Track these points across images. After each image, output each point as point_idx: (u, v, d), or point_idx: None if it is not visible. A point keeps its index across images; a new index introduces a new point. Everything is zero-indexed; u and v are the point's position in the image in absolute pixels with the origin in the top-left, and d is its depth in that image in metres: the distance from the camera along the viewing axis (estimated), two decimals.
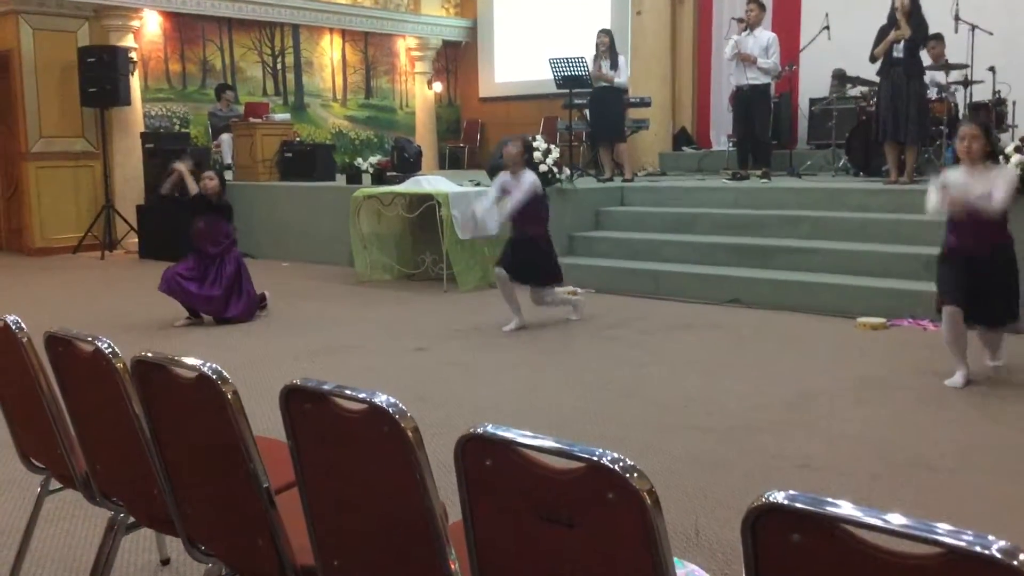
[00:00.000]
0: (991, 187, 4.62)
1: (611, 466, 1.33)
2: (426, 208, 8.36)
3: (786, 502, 1.15)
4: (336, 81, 14.76)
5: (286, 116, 12.68)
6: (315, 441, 1.85)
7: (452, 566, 1.67)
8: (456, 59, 16.19)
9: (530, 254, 6.43)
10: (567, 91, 10.14)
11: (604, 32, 9.84)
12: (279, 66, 14.02)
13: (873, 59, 8.27)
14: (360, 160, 10.84)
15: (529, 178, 6.37)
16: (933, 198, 4.79)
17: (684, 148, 12.40)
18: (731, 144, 10.65)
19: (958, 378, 4.91)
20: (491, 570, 1.57)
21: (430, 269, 8.69)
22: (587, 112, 10.70)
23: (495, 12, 15.45)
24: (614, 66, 9.68)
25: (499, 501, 1.53)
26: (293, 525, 1.96)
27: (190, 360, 1.98)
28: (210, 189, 6.88)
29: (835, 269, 7.19)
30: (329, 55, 14.63)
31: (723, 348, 5.96)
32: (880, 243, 7.29)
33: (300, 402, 1.82)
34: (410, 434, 1.63)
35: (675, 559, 1.71)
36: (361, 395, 1.69)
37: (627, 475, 1.31)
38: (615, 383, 5.20)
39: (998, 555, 1.00)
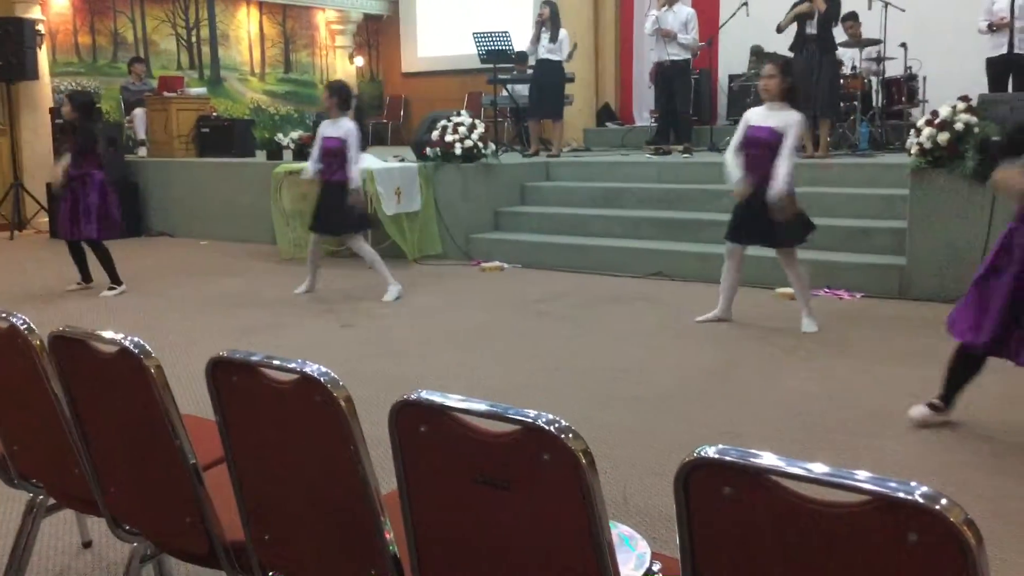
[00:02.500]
0: (784, 126, 5.20)
1: (546, 427, 1.33)
2: None
3: (717, 456, 1.17)
4: (254, 55, 14.41)
5: (202, 90, 12.32)
6: (244, 414, 1.81)
7: (387, 536, 1.66)
8: (378, 33, 15.96)
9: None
10: (491, 66, 10.09)
11: (546, 4, 9.67)
12: (194, 39, 13.61)
13: (779, 30, 8.42)
14: (280, 136, 10.61)
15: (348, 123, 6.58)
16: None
17: (607, 124, 12.48)
18: (653, 120, 10.76)
19: None
20: (427, 537, 1.57)
21: None
22: (509, 88, 10.68)
23: None
24: (554, 39, 9.60)
25: (434, 467, 1.53)
26: (223, 501, 1.92)
27: (110, 334, 1.92)
28: (66, 116, 7.02)
29: None
30: (246, 28, 14.26)
31: (650, 320, 6.05)
32: None
33: (227, 374, 1.78)
34: (343, 403, 1.62)
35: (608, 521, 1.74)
36: (291, 365, 1.66)
37: (562, 436, 1.32)
38: (545, 356, 5.24)
39: (921, 500, 1.04)
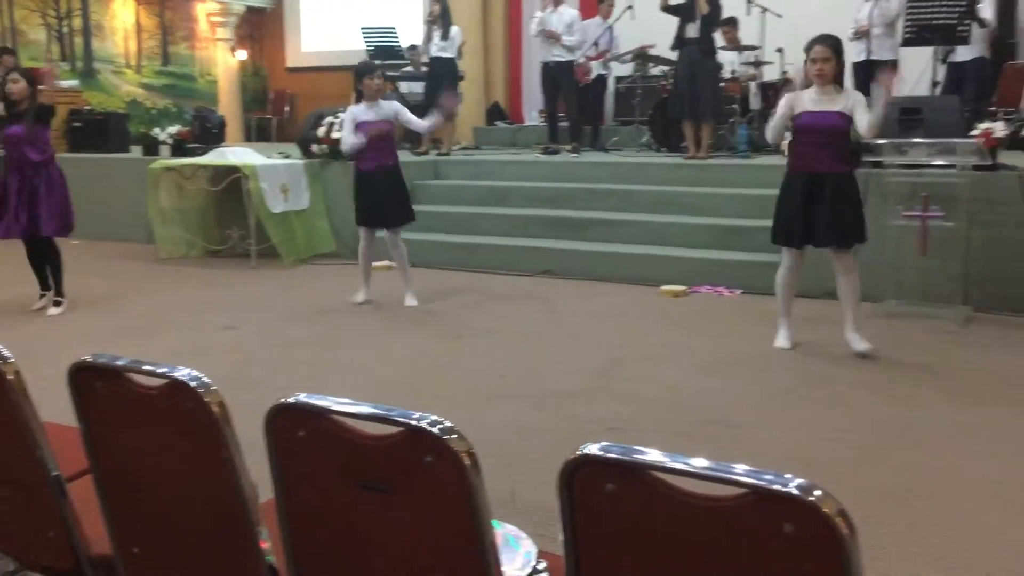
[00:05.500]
0: (852, 104, 4.74)
1: (429, 429, 1.31)
2: (231, 181, 8.00)
3: (600, 453, 1.17)
4: (129, 47, 13.83)
5: (74, 83, 11.76)
6: (109, 422, 1.72)
7: (264, 545, 1.60)
8: (261, 26, 15.55)
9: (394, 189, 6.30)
10: (380, 62, 9.95)
11: (436, 1, 9.62)
12: (65, 29, 12.96)
13: (663, 7, 8.51)
14: (157, 130, 10.21)
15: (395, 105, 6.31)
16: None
17: (497, 122, 12.51)
18: (542, 119, 10.84)
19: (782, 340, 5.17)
20: (306, 545, 1.52)
21: (237, 245, 8.35)
22: (400, 84, 10.57)
23: None
24: (445, 36, 9.55)
25: (313, 473, 1.48)
26: (90, 514, 1.82)
27: None
28: (16, 93, 5.97)
29: (641, 240, 7.49)
30: (121, 18, 13.67)
31: (538, 318, 6.08)
32: (681, 215, 7.66)
33: (91, 380, 1.68)
34: (215, 409, 1.55)
35: (493, 520, 1.72)
36: (160, 370, 1.58)
37: (445, 437, 1.29)
38: (432, 356, 5.20)
39: (795, 492, 1.06)
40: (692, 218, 7.57)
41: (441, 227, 8.36)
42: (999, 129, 5.99)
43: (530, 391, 4.52)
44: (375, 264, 7.18)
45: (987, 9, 8.17)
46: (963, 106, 6.94)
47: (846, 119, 4.75)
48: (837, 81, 4.85)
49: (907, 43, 7.91)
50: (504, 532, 1.73)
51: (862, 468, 3.54)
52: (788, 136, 5.19)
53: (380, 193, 6.20)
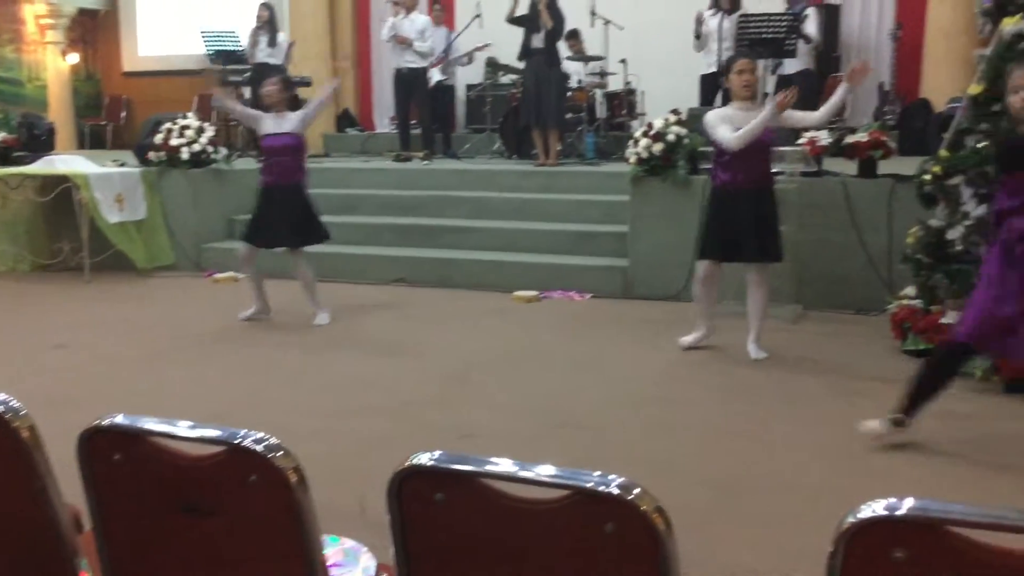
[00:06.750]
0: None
1: (253, 447, 1.26)
2: (62, 191, 7.56)
3: (425, 463, 1.16)
4: None
5: None
6: None
7: None
8: (95, 29, 14.77)
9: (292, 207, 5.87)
10: (222, 67, 9.66)
11: (264, 6, 9.50)
12: None
13: (509, 18, 8.70)
14: None
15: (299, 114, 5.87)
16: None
17: (348, 130, 12.34)
18: (393, 126, 10.77)
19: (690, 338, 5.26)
20: (126, 574, 1.43)
21: (69, 258, 7.89)
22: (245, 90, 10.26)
23: None
24: (272, 43, 9.39)
25: (132, 498, 1.40)
26: None
27: None
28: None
29: (493, 247, 7.55)
30: None
31: (390, 328, 6.02)
32: (532, 221, 7.77)
33: None
34: (25, 434, 1.45)
35: (331, 536, 1.68)
36: None
37: (269, 455, 1.25)
38: (281, 370, 5.06)
39: (616, 491, 1.08)
40: (543, 224, 7.69)
41: None
42: (823, 138, 6.37)
43: (383, 402, 4.46)
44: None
45: (811, 26, 8.72)
46: None
47: (771, 132, 4.87)
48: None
49: (739, 55, 8.32)
50: (343, 547, 1.70)
51: (704, 462, 3.68)
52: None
53: (273, 211, 5.89)
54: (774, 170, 5.60)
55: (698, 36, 8.77)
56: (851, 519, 0.99)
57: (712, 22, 8.65)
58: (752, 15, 8.22)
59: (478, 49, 10.41)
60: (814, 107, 5.35)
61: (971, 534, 0.97)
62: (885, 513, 0.96)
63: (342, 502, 3.17)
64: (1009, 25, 4.73)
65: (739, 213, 4.87)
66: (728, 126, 4.79)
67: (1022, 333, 3.47)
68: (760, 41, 8.11)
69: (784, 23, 8.12)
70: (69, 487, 1.56)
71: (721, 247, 4.99)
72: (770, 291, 5.18)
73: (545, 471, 1.11)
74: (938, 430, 3.87)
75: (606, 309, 6.42)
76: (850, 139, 6.24)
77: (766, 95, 8.07)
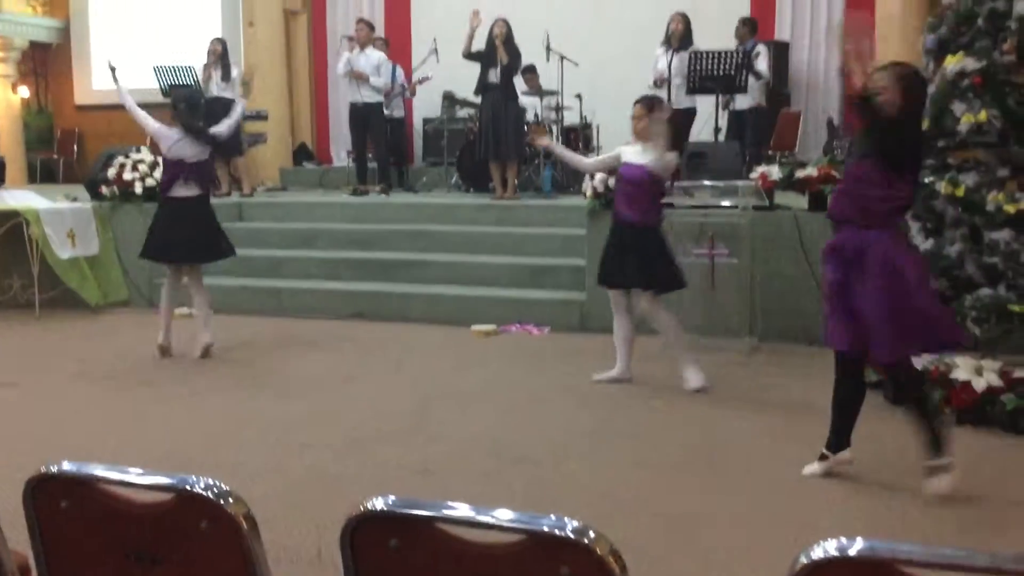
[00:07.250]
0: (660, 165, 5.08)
1: (204, 493, 1.24)
2: (12, 227, 7.42)
3: (379, 507, 1.15)
4: None
5: None
6: None
7: None
8: (46, 62, 14.60)
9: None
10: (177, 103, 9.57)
11: (217, 40, 9.53)
12: None
13: (465, 54, 8.79)
14: None
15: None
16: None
17: (304, 163, 12.30)
18: (351, 160, 10.76)
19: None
20: None
21: (19, 295, 7.73)
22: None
23: (90, 13, 14.14)
24: (226, 77, 9.37)
25: (81, 545, 1.37)
26: None
27: None
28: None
29: (451, 280, 7.54)
30: None
31: (348, 363, 5.98)
32: (489, 255, 7.79)
33: None
34: None
35: None
36: None
37: (221, 501, 1.23)
38: (235, 408, 4.99)
39: (571, 535, 1.08)
40: (500, 258, 7.71)
41: (246, 271, 8.08)
42: (774, 172, 6.49)
43: (339, 439, 4.41)
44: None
45: (762, 63, 8.92)
46: (743, 150, 7.50)
47: (647, 172, 5.06)
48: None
49: (691, 91, 8.49)
50: None
51: (659, 496, 3.69)
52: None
53: (179, 225, 5.98)
54: (725, 203, 5.73)
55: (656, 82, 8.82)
56: (804, 559, 1.00)
57: (663, 59, 8.79)
58: (703, 52, 8.38)
59: (419, 82, 10.46)
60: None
61: (920, 573, 0.99)
62: (836, 554, 0.97)
63: (298, 545, 3.12)
64: (951, 64, 4.88)
65: (620, 241, 5.20)
66: (605, 155, 5.70)
67: (863, 322, 3.57)
68: (711, 78, 8.27)
69: (735, 60, 8.29)
70: (15, 533, 1.52)
71: (604, 273, 5.31)
72: (671, 320, 5.23)
73: (501, 515, 1.10)
74: (893, 462, 3.93)
75: (563, 343, 6.44)
76: (800, 173, 6.36)
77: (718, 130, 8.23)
